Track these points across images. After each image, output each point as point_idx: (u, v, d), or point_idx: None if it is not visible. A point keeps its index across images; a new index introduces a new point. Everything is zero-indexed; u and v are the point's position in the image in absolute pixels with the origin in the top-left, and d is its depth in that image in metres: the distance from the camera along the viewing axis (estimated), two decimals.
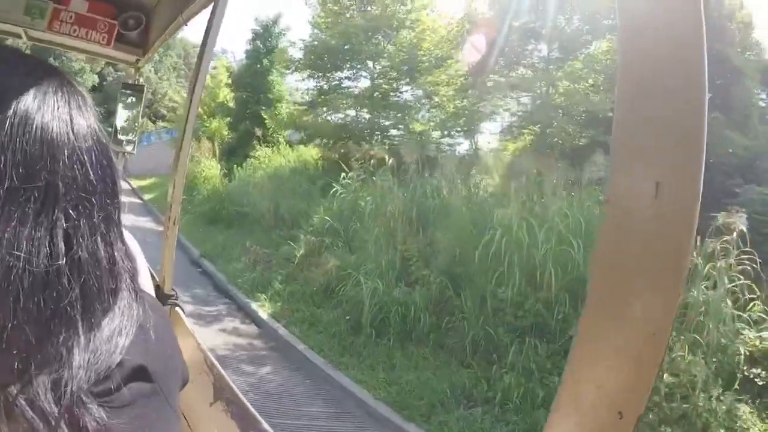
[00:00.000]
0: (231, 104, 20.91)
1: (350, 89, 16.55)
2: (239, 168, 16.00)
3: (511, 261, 6.73)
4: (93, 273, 0.52)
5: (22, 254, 0.46)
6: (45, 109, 0.52)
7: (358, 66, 16.20)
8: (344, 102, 16.13)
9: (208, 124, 19.72)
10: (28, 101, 0.51)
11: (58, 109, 0.53)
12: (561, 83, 12.43)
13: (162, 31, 2.45)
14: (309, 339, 7.33)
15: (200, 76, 1.96)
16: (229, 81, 21.54)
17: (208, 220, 14.48)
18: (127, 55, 2.80)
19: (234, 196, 14.56)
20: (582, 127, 12.04)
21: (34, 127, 0.50)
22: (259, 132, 18.30)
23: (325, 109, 16.45)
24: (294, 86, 20.63)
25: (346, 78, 16.68)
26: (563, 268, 6.47)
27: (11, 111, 0.49)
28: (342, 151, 14.37)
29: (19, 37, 2.55)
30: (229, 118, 20.36)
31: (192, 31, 2.42)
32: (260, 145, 17.39)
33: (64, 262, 0.49)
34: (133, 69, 2.99)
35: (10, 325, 0.45)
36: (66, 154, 0.51)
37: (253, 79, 19.98)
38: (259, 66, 19.90)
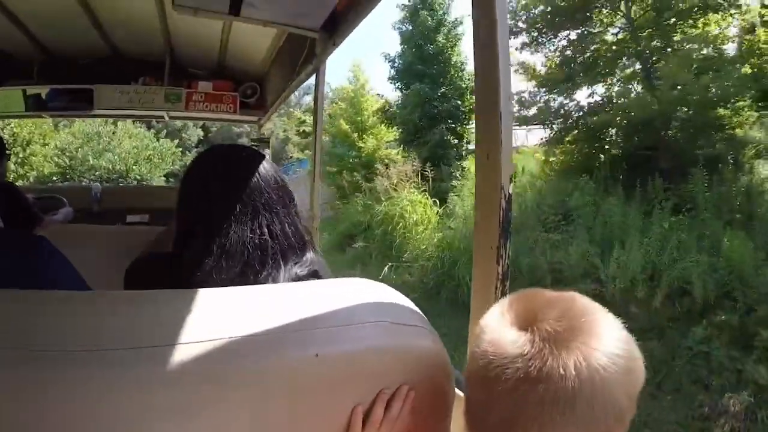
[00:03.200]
0: (395, 110, 15.22)
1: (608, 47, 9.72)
2: (456, 197, 9.82)
3: None
4: (284, 239, 0.93)
5: (250, 234, 0.90)
6: (260, 167, 0.95)
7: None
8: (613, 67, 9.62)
9: (361, 144, 14.19)
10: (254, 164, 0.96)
11: (262, 165, 0.96)
12: None
13: (277, 96, 2.78)
14: None
15: (318, 132, 2.20)
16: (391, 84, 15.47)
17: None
18: (250, 117, 3.28)
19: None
20: None
21: (258, 176, 0.94)
22: (453, 139, 13.38)
23: (569, 85, 9.85)
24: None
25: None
26: None
27: (245, 171, 0.94)
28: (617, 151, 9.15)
29: (163, 118, 3.00)
30: (396, 129, 14.59)
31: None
32: (457, 158, 12.48)
33: (267, 236, 0.91)
34: (257, 126, 3.38)
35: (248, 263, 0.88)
36: (264, 186, 0.94)
37: (427, 66, 13.71)
38: (430, 47, 13.87)
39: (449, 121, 13.62)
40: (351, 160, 14.05)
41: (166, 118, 3.05)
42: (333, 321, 0.73)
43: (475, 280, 0.93)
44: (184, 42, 2.98)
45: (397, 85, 14.77)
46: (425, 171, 10.44)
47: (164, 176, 17.48)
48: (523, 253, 7.10)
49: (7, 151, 2.72)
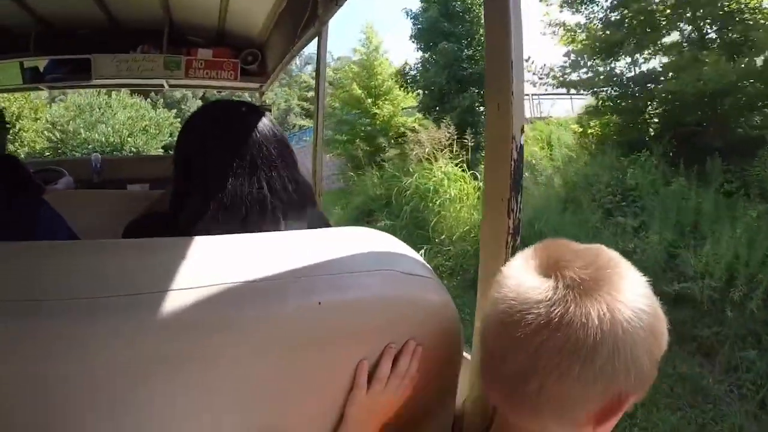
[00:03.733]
0: (417, 74, 13.85)
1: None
2: None
3: None
4: (284, 194, 0.91)
5: (248, 189, 0.88)
6: (258, 122, 0.94)
7: None
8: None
9: (376, 111, 13.03)
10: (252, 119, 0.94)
11: (260, 121, 0.94)
12: None
13: (278, 62, 2.73)
14: None
15: (320, 97, 2.18)
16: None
17: None
18: (252, 84, 3.23)
19: None
20: None
21: (255, 131, 0.92)
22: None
23: (616, 50, 8.79)
24: None
25: None
26: None
27: (242, 125, 0.93)
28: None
29: (162, 87, 2.97)
30: (417, 94, 13.54)
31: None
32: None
33: (267, 191, 0.89)
34: (258, 93, 3.34)
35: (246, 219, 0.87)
36: (263, 140, 0.92)
37: (453, 25, 12.34)
38: (457, 3, 12.57)
39: (479, 85, 11.52)
40: (363, 128, 13.01)
41: (166, 87, 3.02)
42: (337, 268, 0.72)
43: (484, 234, 0.91)
44: (183, 9, 2.92)
45: (419, 45, 13.21)
46: (464, 138, 8.90)
47: (162, 148, 16.95)
48: (587, 238, 6.04)
49: (7, 124, 2.71)
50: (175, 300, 0.60)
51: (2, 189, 1.17)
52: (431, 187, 8.55)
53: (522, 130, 0.86)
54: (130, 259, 0.67)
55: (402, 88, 13.76)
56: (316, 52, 2.25)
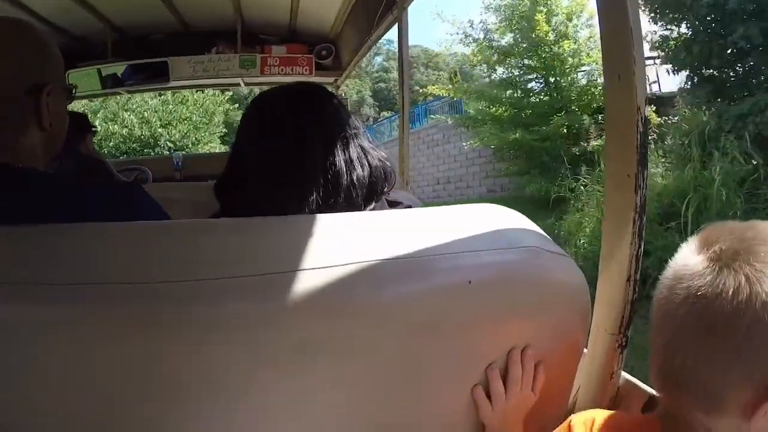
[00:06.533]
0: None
1: None
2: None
3: None
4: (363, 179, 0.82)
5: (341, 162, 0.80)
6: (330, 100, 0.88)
7: None
8: None
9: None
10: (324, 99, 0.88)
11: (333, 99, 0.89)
12: None
13: (353, 55, 2.74)
14: None
15: (405, 84, 2.16)
16: None
17: None
18: (327, 78, 3.25)
19: None
20: None
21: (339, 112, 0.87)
22: None
23: None
24: None
25: None
26: None
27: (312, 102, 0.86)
28: None
29: (238, 85, 3.04)
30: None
31: None
32: None
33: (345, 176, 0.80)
34: (333, 87, 3.39)
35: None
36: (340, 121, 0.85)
37: None
38: None
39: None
40: (550, 96, 9.34)
41: (242, 85, 3.09)
42: (478, 245, 0.66)
43: (609, 213, 0.86)
44: (254, 9, 2.98)
45: None
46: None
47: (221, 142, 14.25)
48: None
49: (94, 128, 2.83)
50: (307, 280, 0.56)
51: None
52: None
53: (646, 101, 0.81)
54: (251, 239, 0.62)
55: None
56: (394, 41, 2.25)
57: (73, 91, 0.93)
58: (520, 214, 0.80)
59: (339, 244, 0.61)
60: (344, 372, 0.59)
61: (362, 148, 0.84)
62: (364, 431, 0.64)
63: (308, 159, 0.79)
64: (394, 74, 27.91)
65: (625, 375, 0.89)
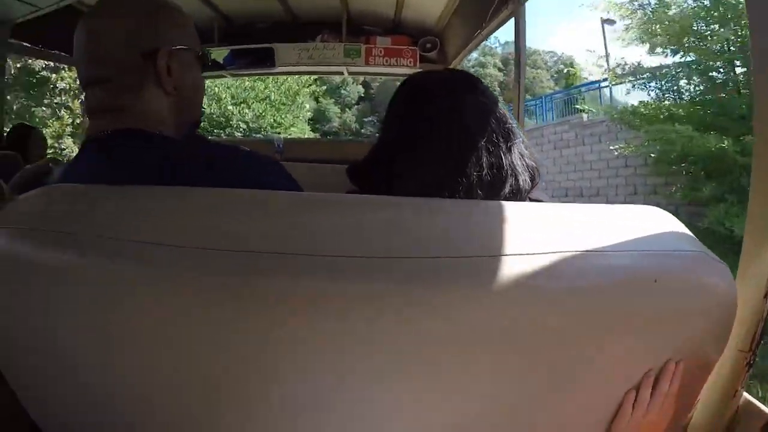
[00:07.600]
0: None
1: None
2: None
3: None
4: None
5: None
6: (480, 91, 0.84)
7: None
8: None
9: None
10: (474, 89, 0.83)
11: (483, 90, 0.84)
12: None
13: (460, 49, 2.76)
14: None
15: (521, 83, 2.16)
16: None
17: None
18: None
19: None
20: None
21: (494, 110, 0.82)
22: None
23: None
24: None
25: None
26: None
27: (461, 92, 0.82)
28: None
29: (341, 73, 3.14)
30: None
31: None
32: None
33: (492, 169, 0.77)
34: None
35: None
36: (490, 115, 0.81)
37: None
38: None
39: None
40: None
41: (345, 74, 3.20)
42: (660, 245, 0.63)
43: (750, 226, 0.81)
44: (361, 1, 3.09)
45: None
46: None
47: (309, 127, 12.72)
48: None
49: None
50: (506, 266, 0.54)
51: None
52: None
53: None
54: (410, 219, 0.59)
55: None
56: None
57: (207, 59, 0.91)
58: (670, 215, 0.75)
59: (534, 233, 0.59)
60: (505, 363, 0.57)
61: (523, 144, 0.83)
62: (504, 424, 0.61)
63: (472, 150, 0.77)
64: (491, 70, 28.16)
65: (745, 395, 0.84)
